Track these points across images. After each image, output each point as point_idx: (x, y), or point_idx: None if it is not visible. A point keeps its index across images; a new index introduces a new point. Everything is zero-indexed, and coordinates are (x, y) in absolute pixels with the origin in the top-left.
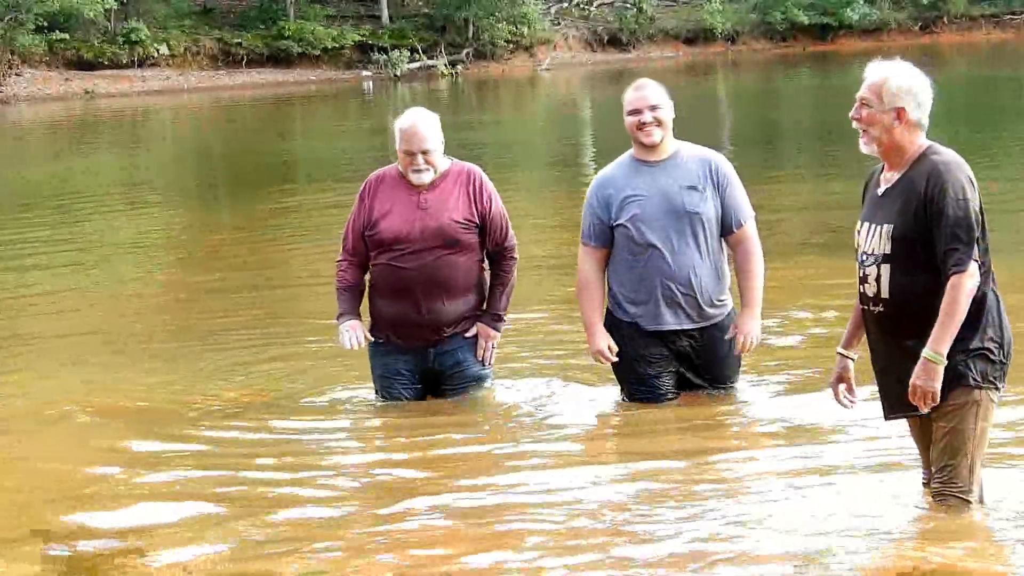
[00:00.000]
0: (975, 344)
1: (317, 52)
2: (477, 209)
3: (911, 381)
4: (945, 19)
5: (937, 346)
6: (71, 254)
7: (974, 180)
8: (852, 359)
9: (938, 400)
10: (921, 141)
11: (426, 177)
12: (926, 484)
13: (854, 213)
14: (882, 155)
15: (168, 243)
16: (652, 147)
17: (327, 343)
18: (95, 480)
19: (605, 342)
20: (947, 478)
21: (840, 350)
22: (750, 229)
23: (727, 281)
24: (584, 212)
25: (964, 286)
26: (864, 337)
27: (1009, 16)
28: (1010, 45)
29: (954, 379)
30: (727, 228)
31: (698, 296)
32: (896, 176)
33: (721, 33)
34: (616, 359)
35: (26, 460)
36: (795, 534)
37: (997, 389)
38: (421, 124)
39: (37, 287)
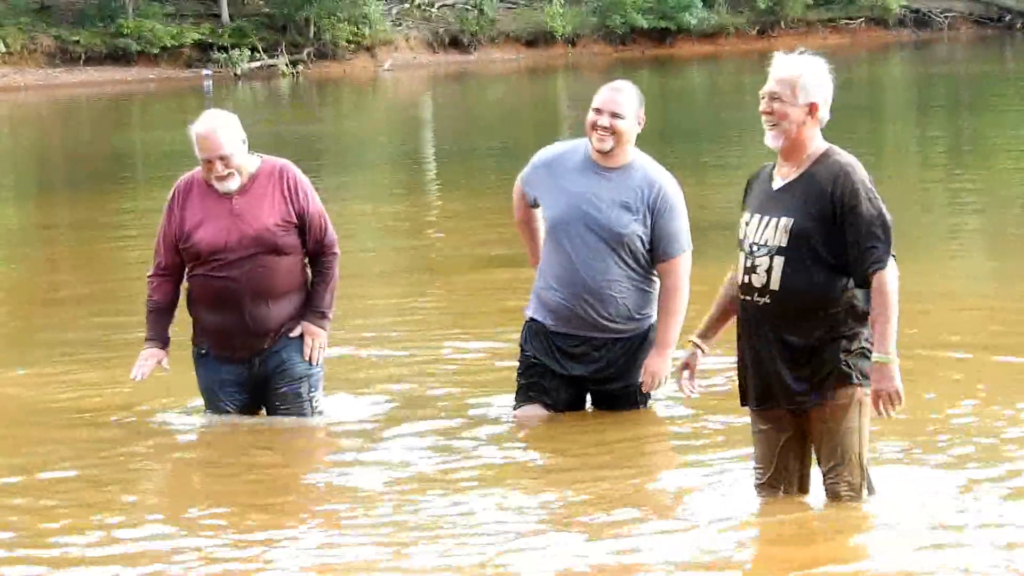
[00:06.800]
0: (856, 343)
1: (156, 51)
2: (294, 209)
3: (873, 388)
4: (782, 24)
5: (883, 348)
6: None
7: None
8: (704, 351)
9: (903, 399)
10: (820, 140)
11: (231, 184)
12: (760, 485)
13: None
14: (786, 150)
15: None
16: (601, 153)
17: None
18: None
19: None
20: (839, 476)
21: (696, 340)
22: (680, 264)
23: (650, 300)
24: (532, 162)
25: (889, 282)
26: (718, 331)
27: (845, 21)
28: (847, 49)
29: (840, 378)
30: (655, 257)
31: (602, 311)
32: (796, 172)
33: (562, 36)
34: None
35: None
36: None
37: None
38: (215, 128)
39: None
